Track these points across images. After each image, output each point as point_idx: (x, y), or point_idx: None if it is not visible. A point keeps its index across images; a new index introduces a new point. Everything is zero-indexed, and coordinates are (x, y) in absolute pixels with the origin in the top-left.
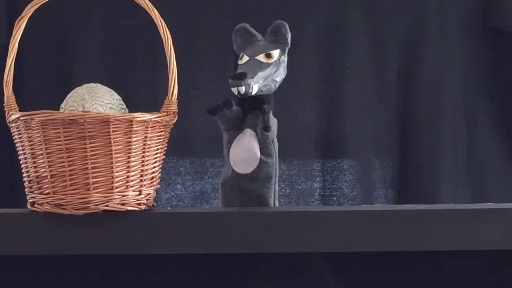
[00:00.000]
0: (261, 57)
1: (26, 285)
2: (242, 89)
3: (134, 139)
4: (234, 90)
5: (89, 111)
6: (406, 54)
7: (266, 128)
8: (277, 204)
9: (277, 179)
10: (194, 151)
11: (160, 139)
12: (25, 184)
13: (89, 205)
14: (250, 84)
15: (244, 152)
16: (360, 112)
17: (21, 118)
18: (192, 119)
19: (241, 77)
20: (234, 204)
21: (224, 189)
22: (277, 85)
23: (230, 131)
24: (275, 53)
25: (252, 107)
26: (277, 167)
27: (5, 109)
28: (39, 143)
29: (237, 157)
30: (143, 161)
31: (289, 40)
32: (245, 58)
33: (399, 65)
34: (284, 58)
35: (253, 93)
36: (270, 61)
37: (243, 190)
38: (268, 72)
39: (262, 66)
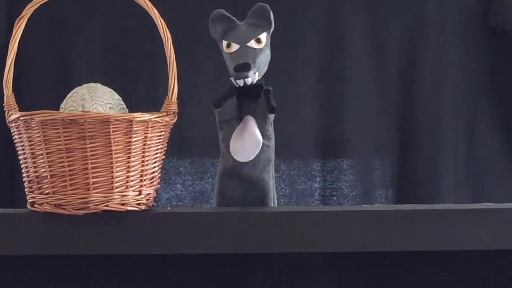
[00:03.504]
0: (253, 44)
1: (26, 285)
2: (249, 80)
3: (134, 139)
4: (240, 82)
5: (89, 111)
6: (406, 54)
7: (273, 109)
8: (274, 188)
9: (273, 162)
10: (194, 151)
11: (160, 139)
12: (25, 184)
13: (89, 205)
14: (255, 74)
15: (247, 139)
16: (360, 112)
17: (21, 118)
18: (192, 119)
19: (248, 68)
20: (235, 195)
21: (223, 182)
22: (266, 67)
23: (231, 121)
24: (264, 37)
25: (250, 94)
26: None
27: (5, 109)
28: (39, 143)
29: (240, 146)
30: (143, 161)
31: (272, 21)
32: (235, 46)
33: (399, 65)
34: (269, 40)
35: (254, 82)
36: (261, 46)
37: (244, 178)
38: (261, 57)
39: (256, 52)
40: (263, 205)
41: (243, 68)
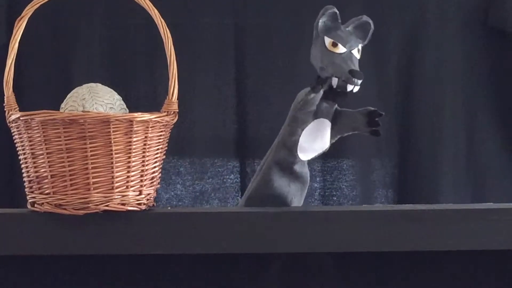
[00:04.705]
0: (355, 52)
1: (26, 285)
2: (357, 88)
3: (135, 139)
4: (350, 87)
5: (89, 111)
6: (406, 54)
7: (377, 133)
8: None
9: None
10: (194, 151)
11: (160, 139)
12: (25, 184)
13: (89, 205)
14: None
15: (318, 141)
16: None
17: (21, 118)
18: (192, 119)
19: (362, 78)
20: (282, 185)
21: (273, 172)
22: None
23: (306, 115)
24: (360, 49)
25: (334, 98)
26: None
27: (5, 109)
28: (39, 143)
29: (309, 146)
30: (143, 161)
31: (369, 38)
32: (342, 49)
33: (399, 65)
34: None
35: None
36: (359, 57)
37: (295, 173)
38: None
39: (356, 61)
40: (302, 195)
41: (359, 76)
